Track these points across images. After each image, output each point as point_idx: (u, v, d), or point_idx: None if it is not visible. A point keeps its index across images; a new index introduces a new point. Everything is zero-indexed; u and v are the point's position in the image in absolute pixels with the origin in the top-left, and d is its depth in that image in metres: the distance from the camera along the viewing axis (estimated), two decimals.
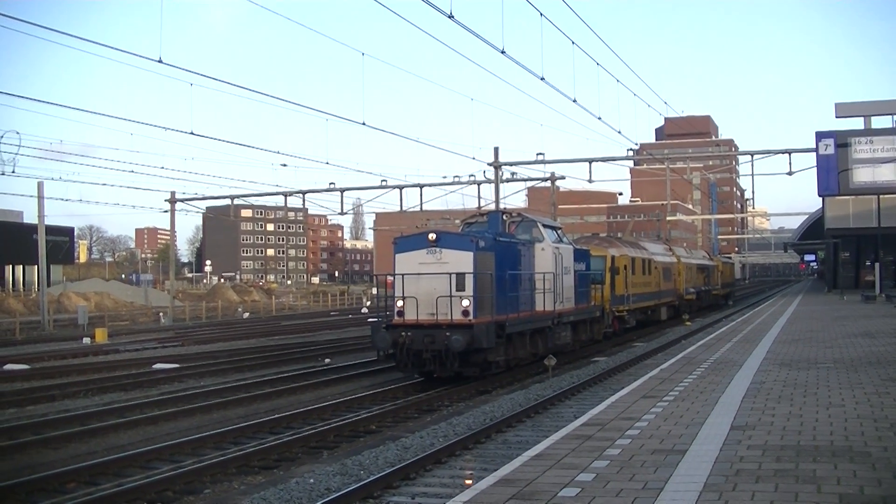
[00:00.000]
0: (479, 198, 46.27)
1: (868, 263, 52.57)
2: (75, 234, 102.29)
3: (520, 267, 19.98)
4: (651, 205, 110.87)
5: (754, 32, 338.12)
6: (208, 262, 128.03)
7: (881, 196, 45.07)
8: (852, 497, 6.01)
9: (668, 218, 73.79)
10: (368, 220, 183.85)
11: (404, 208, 46.40)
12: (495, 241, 19.07)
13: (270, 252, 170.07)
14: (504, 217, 22.08)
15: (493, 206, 40.34)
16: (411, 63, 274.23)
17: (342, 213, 49.09)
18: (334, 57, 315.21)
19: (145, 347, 30.75)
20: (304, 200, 49.35)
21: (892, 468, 6.82)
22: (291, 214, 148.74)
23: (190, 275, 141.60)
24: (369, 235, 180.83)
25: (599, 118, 30.96)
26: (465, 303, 17.50)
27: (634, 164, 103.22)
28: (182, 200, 50.79)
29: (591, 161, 41.58)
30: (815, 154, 43.37)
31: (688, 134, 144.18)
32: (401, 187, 45.45)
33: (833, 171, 45.38)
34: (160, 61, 19.46)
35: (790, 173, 39.71)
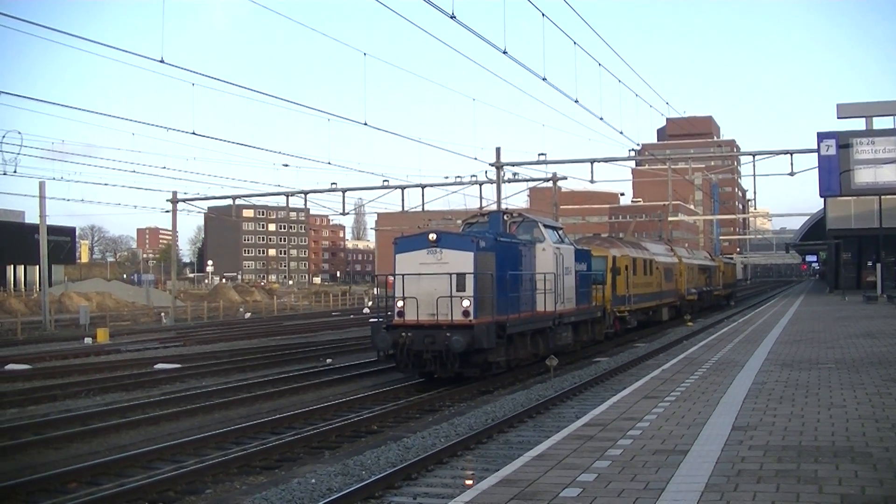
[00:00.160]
0: (481, 198, 46.27)
1: (869, 264, 52.57)
2: (77, 234, 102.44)
3: (521, 267, 19.95)
4: (653, 205, 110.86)
5: (756, 33, 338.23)
6: (210, 263, 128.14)
7: (883, 197, 45.03)
8: (854, 497, 6.00)
9: (670, 218, 73.82)
10: (370, 221, 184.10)
11: (406, 208, 46.38)
12: (496, 241, 19.04)
13: (272, 252, 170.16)
14: (505, 217, 22.05)
15: (494, 207, 40.34)
16: (413, 63, 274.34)
17: (344, 214, 49.10)
18: (336, 57, 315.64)
19: (147, 347, 30.76)
20: (305, 200, 49.33)
21: (893, 468, 6.82)
22: (293, 214, 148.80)
23: (192, 275, 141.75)
24: (371, 236, 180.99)
25: (601, 118, 31.02)
26: (466, 303, 17.47)
27: (636, 165, 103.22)
28: (184, 200, 50.79)
29: (592, 161, 41.57)
30: (816, 155, 43.31)
31: (689, 134, 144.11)
32: (403, 187, 45.44)
33: (835, 171, 45.33)
34: (162, 61, 19.50)
35: (792, 174, 39.67)
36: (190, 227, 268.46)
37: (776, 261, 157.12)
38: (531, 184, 50.09)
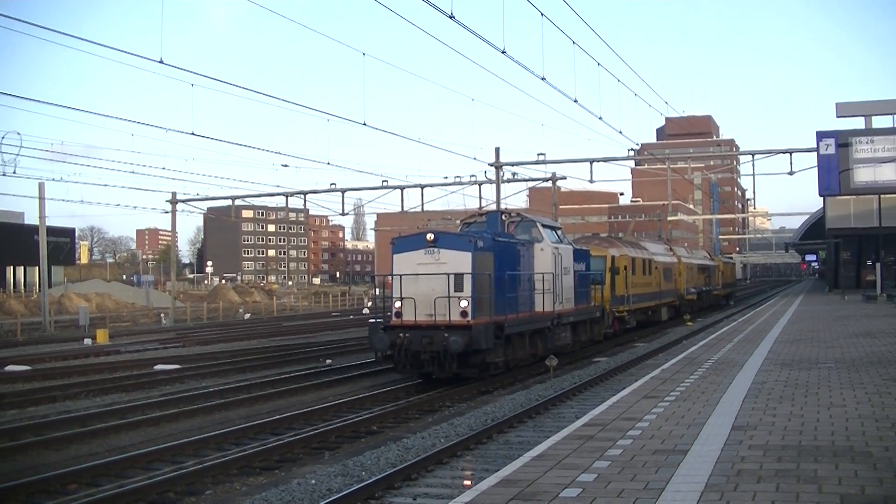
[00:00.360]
0: (481, 198, 46.31)
1: (869, 263, 52.55)
2: (76, 235, 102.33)
3: (519, 267, 19.90)
4: (652, 205, 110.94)
5: (755, 32, 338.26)
6: (209, 263, 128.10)
7: (882, 196, 45.04)
8: (854, 497, 6.01)
9: (670, 218, 73.83)
10: (370, 221, 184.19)
11: (405, 209, 46.37)
12: (494, 241, 18.99)
13: (272, 253, 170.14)
14: (503, 217, 21.99)
15: (494, 207, 40.33)
16: (412, 63, 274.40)
17: (343, 214, 49.09)
18: (335, 57, 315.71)
19: (147, 348, 30.76)
20: (305, 201, 49.32)
21: (893, 468, 6.82)
22: (292, 215, 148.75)
23: (191, 276, 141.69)
24: (370, 236, 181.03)
25: (600, 118, 30.99)
26: (464, 303, 17.43)
27: (635, 165, 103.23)
28: (183, 201, 50.79)
29: (592, 161, 41.56)
30: (815, 154, 43.33)
31: (689, 134, 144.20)
32: (402, 188, 45.44)
33: (834, 170, 45.33)
34: (161, 62, 19.49)
35: (791, 173, 39.69)
36: (189, 227, 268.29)
37: (775, 260, 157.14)
38: (530, 184, 50.09)
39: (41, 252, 44.03)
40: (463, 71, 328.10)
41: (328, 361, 24.38)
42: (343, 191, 46.81)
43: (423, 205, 45.80)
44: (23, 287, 77.78)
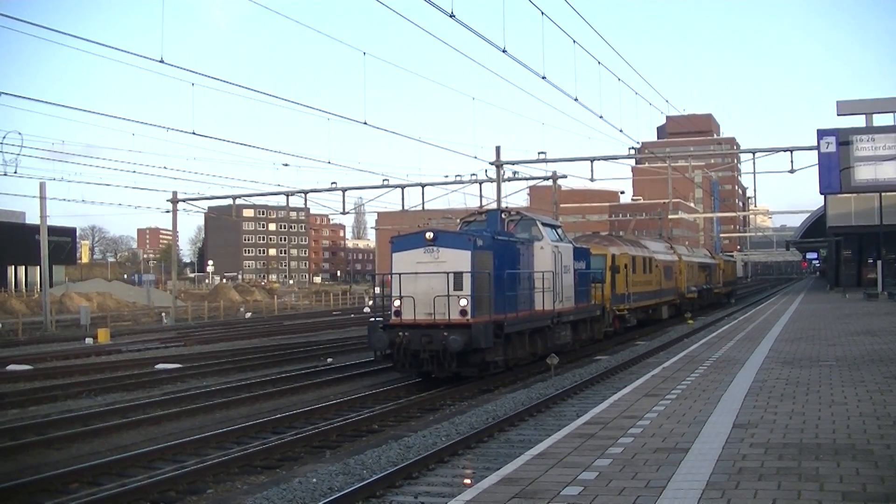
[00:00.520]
0: (481, 197, 46.23)
1: (870, 261, 52.55)
2: (77, 234, 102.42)
3: (518, 266, 19.87)
4: (653, 203, 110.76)
5: (755, 30, 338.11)
6: (210, 262, 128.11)
7: (883, 194, 45.02)
8: (855, 495, 6.00)
9: (670, 216, 73.78)
10: (370, 220, 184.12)
11: (406, 208, 46.38)
12: (493, 239, 18.96)
13: (272, 252, 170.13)
14: (503, 216, 21.95)
15: (494, 206, 40.32)
16: (413, 62, 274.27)
17: (344, 213, 49.09)
18: (336, 56, 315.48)
19: (148, 348, 30.77)
20: (305, 200, 49.33)
21: (894, 466, 6.82)
22: (293, 214, 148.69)
23: (192, 275, 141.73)
24: (371, 235, 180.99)
25: (601, 117, 31.00)
26: (463, 302, 17.39)
27: (636, 163, 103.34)
28: (184, 200, 50.79)
29: (592, 160, 41.58)
30: (816, 152, 43.32)
31: (689, 132, 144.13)
32: (402, 187, 45.43)
33: (835, 168, 45.31)
34: (162, 61, 19.51)
35: (792, 171, 39.67)
36: (190, 226, 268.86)
37: (776, 258, 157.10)
38: (531, 182, 50.13)
39: (42, 251, 44.06)
40: (464, 70, 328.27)
41: (329, 360, 24.39)
42: (344, 190, 46.81)
43: (423, 204, 45.80)
44: (24, 286, 77.85)
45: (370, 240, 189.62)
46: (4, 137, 34.83)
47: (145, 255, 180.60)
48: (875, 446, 7.56)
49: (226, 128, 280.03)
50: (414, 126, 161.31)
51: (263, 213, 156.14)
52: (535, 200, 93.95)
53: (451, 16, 16.59)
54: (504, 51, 20.00)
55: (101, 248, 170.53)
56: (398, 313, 18.01)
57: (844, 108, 51.04)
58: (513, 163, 43.93)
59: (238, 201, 51.93)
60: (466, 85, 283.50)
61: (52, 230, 58.37)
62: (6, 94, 23.01)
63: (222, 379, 20.81)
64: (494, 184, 42.63)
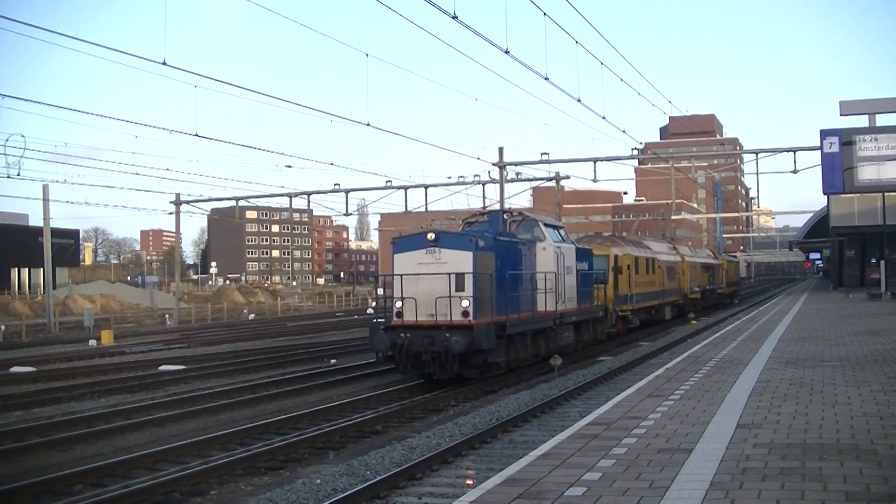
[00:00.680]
0: (484, 198, 46.22)
1: (873, 261, 52.42)
2: (80, 236, 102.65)
3: (521, 267, 19.83)
4: (656, 204, 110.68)
5: (758, 31, 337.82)
6: (213, 264, 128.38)
7: (886, 194, 44.95)
8: (858, 495, 6.00)
9: (673, 217, 73.78)
10: (373, 221, 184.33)
11: (409, 209, 46.40)
12: (495, 240, 18.92)
13: (275, 253, 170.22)
14: (505, 216, 21.86)
15: (497, 207, 40.31)
16: (415, 64, 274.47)
17: (347, 214, 49.10)
18: (338, 58, 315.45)
19: (151, 349, 30.80)
20: (308, 201, 49.35)
21: None
22: (296, 215, 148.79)
23: (195, 276, 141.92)
24: (374, 236, 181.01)
25: (604, 117, 30.92)
26: (465, 303, 17.33)
27: (639, 164, 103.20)
28: (187, 202, 50.85)
29: (595, 160, 41.53)
30: (819, 152, 43.26)
31: (692, 133, 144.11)
32: (405, 188, 45.45)
33: (838, 169, 45.26)
34: (164, 63, 19.49)
35: (795, 172, 39.60)
36: (193, 228, 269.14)
37: (779, 259, 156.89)
38: (534, 183, 50.09)
39: (46, 253, 44.14)
40: (466, 71, 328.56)
41: (332, 361, 24.39)
42: (347, 191, 46.82)
43: (426, 205, 45.78)
44: (27, 288, 78.02)
45: (373, 241, 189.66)
46: (7, 140, 34.91)
47: (148, 257, 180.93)
48: (879, 446, 7.55)
49: (229, 130, 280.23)
50: (417, 127, 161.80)
51: (266, 215, 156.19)
52: (538, 201, 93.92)
53: (454, 17, 16.59)
54: (507, 52, 19.99)
55: (105, 250, 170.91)
56: (400, 314, 17.97)
57: (847, 109, 50.96)
58: (516, 164, 43.92)
59: (241, 203, 51.96)
60: (469, 86, 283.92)
61: (56, 232, 58.50)
62: (9, 96, 23.11)
63: (226, 380, 20.83)
64: (497, 185, 42.64)
